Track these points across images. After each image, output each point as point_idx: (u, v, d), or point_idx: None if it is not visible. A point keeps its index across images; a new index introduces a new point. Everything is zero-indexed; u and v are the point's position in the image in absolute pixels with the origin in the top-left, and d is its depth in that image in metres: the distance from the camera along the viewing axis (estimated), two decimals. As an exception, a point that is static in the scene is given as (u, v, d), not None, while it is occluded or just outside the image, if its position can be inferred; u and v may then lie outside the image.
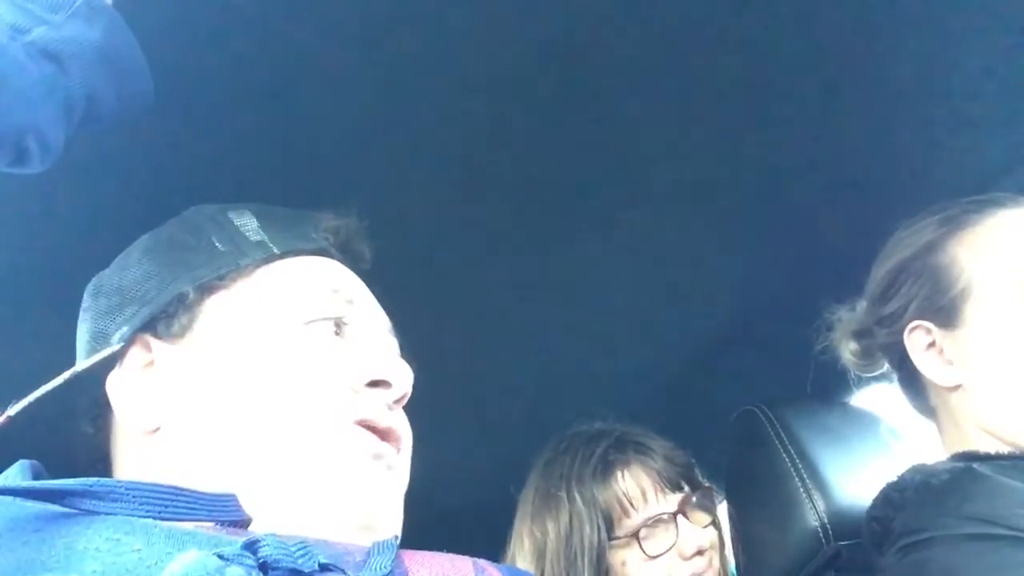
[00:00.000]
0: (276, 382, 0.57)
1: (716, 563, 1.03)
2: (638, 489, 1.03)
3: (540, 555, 1.04)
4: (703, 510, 1.05)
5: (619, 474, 1.04)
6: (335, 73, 0.78)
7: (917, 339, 0.86)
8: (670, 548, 1.00)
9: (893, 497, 0.85)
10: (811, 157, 0.95)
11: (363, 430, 0.58)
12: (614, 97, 0.86)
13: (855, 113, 0.91)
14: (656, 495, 1.03)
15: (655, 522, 1.01)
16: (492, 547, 1.12)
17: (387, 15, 0.74)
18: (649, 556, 1.00)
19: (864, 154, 0.96)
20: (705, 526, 1.04)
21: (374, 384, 0.60)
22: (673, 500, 1.03)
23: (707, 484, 1.08)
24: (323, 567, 0.46)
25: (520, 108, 0.85)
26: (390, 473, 0.59)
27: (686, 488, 1.05)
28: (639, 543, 1.01)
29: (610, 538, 1.02)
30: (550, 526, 1.04)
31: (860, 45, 0.83)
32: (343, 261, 0.69)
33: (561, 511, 1.04)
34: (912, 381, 0.90)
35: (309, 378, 0.58)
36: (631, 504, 1.02)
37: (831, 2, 0.79)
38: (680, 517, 1.02)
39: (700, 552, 1.01)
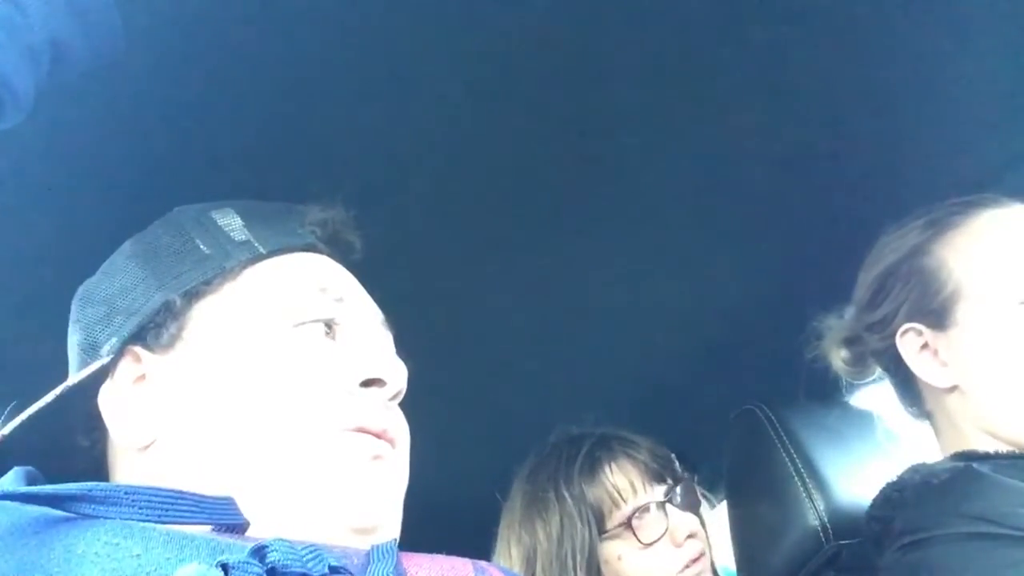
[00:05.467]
0: (267, 389, 0.56)
1: (707, 553, 1.04)
2: (627, 481, 1.05)
3: (529, 560, 1.04)
4: (688, 498, 1.06)
5: (607, 468, 1.06)
6: (336, 71, 0.78)
7: (910, 341, 0.86)
8: (663, 534, 1.01)
9: (893, 496, 0.85)
10: (807, 158, 0.95)
11: (359, 433, 0.57)
12: (613, 98, 0.86)
13: (852, 116, 0.91)
14: (644, 486, 1.05)
15: (646, 510, 1.03)
16: (490, 548, 1.12)
17: (388, 14, 0.74)
18: (644, 543, 1.01)
19: (860, 156, 0.96)
20: (692, 513, 1.06)
21: (368, 384, 0.58)
22: (659, 490, 1.05)
23: (687, 475, 1.09)
24: (333, 569, 0.46)
25: (518, 108, 0.85)
26: (390, 473, 0.58)
27: (669, 480, 1.07)
28: (633, 532, 1.02)
29: (602, 533, 1.03)
30: (539, 529, 1.04)
31: (857, 46, 0.83)
32: (332, 254, 0.68)
33: (551, 513, 1.04)
34: (907, 385, 0.90)
35: (301, 383, 0.56)
36: (621, 496, 1.04)
37: (830, 2, 0.79)
38: (668, 505, 1.03)
39: (692, 535, 1.02)
